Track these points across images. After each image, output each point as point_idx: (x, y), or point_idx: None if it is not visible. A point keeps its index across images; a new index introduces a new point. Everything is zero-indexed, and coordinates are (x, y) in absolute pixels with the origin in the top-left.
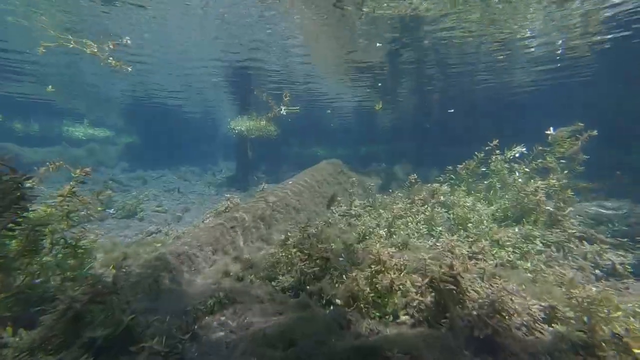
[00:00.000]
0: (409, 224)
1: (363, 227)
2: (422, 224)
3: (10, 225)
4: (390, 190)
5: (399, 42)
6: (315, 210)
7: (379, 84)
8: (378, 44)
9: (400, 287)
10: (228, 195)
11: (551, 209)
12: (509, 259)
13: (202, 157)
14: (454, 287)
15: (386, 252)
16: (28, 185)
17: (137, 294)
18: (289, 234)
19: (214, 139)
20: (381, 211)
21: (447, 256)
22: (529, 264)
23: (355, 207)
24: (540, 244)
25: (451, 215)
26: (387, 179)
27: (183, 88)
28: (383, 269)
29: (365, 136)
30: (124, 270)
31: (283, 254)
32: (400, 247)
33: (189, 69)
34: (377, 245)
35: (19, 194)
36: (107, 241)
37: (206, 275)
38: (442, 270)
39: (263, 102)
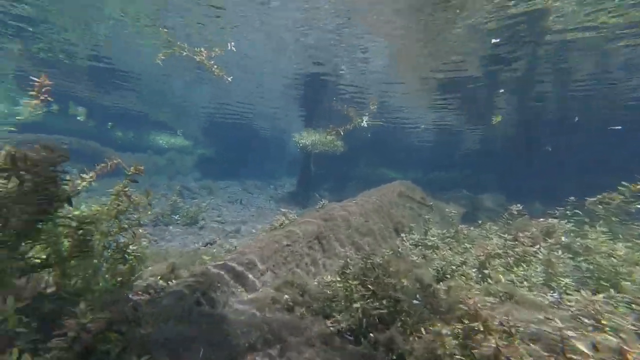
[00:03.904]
0: (514, 267)
1: (443, 263)
2: (535, 269)
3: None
4: (480, 222)
5: (510, 44)
6: (382, 235)
7: (501, 91)
8: (494, 40)
9: None
10: (284, 210)
11: None
12: None
13: (268, 172)
14: None
15: (484, 302)
16: (66, 173)
17: (169, 319)
18: (348, 261)
19: (282, 155)
20: (467, 245)
21: (586, 324)
22: None
23: (432, 237)
24: None
25: (584, 263)
26: (472, 208)
27: (255, 101)
28: (482, 329)
29: (443, 159)
30: (158, 285)
31: (341, 286)
32: (503, 298)
33: (261, 77)
34: (472, 290)
35: (54, 176)
36: (160, 249)
37: (252, 300)
38: (601, 357)
39: (333, 115)
